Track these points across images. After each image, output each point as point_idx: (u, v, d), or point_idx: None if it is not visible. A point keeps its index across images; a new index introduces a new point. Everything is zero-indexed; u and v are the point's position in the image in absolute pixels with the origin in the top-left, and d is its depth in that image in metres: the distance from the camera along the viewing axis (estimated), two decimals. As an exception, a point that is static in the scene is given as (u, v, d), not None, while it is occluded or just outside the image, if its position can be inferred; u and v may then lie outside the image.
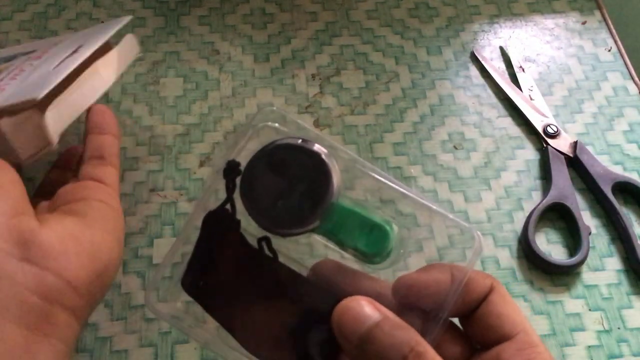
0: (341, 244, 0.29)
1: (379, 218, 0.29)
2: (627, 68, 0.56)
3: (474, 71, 0.56)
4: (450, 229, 0.47)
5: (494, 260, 0.46)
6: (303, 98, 0.53)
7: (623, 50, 0.58)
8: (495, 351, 0.28)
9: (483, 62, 0.56)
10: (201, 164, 0.49)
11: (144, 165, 0.49)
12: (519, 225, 0.47)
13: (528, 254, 0.46)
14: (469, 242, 0.46)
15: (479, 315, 0.29)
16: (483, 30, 0.58)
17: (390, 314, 0.26)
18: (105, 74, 0.41)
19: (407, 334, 0.25)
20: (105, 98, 0.52)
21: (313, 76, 0.55)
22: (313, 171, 0.28)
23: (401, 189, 0.31)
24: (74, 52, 0.41)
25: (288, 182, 0.28)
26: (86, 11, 0.57)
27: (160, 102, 0.52)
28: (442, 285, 0.28)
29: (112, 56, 0.42)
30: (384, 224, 0.29)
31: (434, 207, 0.31)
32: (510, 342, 0.28)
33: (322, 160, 0.28)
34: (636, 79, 0.56)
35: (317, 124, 0.52)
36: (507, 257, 0.46)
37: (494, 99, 0.54)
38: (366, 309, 0.25)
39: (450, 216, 0.31)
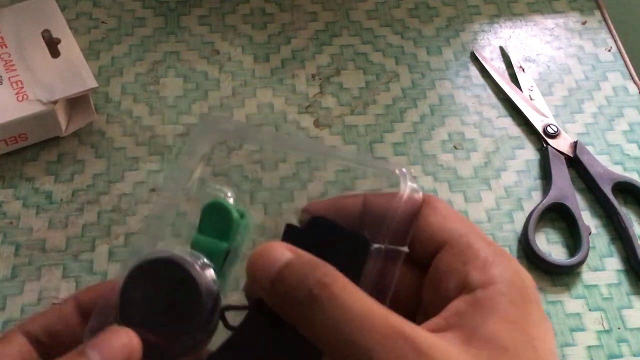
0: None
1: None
2: (627, 68, 0.56)
3: (474, 71, 0.56)
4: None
5: (494, 260, 0.46)
6: (303, 98, 0.53)
7: (623, 50, 0.58)
8: (434, 265, 0.26)
9: (483, 62, 0.56)
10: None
11: (144, 165, 0.49)
12: (519, 225, 0.47)
13: (528, 254, 0.46)
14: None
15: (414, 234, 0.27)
16: (483, 30, 0.58)
17: (305, 254, 0.24)
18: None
19: (315, 268, 0.23)
20: (105, 98, 0.52)
21: (313, 76, 0.55)
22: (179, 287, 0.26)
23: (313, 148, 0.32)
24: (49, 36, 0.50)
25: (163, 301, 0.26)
26: (86, 11, 0.57)
27: (160, 102, 0.52)
28: (350, 211, 0.27)
29: None
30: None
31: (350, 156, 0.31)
32: (444, 250, 0.26)
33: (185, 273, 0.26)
34: (636, 79, 0.56)
35: (317, 124, 0.52)
36: (507, 257, 0.46)
37: (494, 99, 0.54)
38: (277, 252, 0.24)
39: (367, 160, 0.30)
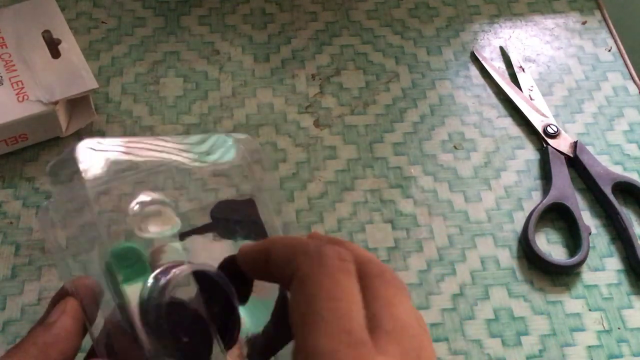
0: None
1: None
2: (627, 68, 0.56)
3: (474, 71, 0.56)
4: (450, 229, 0.47)
5: (494, 260, 0.46)
6: (303, 98, 0.53)
7: (623, 50, 0.58)
8: None
9: (483, 62, 0.56)
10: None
11: (144, 165, 0.49)
12: (519, 225, 0.47)
13: (528, 254, 0.46)
14: (468, 242, 0.46)
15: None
16: (483, 30, 0.58)
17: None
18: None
19: None
20: (106, 98, 0.52)
21: (313, 76, 0.55)
22: None
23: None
24: (50, 36, 0.50)
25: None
26: (86, 11, 0.57)
27: (160, 102, 0.52)
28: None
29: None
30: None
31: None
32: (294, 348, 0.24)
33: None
34: (636, 79, 0.56)
35: (317, 124, 0.52)
36: (507, 257, 0.46)
37: (494, 99, 0.54)
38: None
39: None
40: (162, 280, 0.28)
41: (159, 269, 0.28)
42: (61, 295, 0.29)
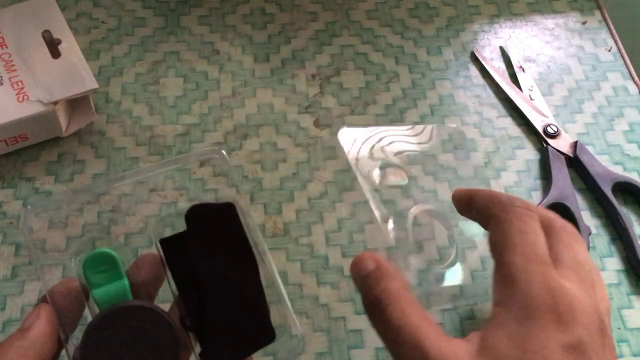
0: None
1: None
2: (627, 68, 0.56)
3: (474, 71, 0.56)
4: (450, 229, 0.47)
5: (494, 260, 0.46)
6: (303, 98, 0.53)
7: (623, 50, 0.58)
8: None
9: (483, 62, 0.56)
10: (201, 164, 0.49)
11: (144, 166, 0.49)
12: (519, 225, 0.47)
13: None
14: (469, 242, 0.46)
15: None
16: (483, 30, 0.58)
17: (383, 265, 0.32)
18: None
19: (383, 280, 0.31)
20: (105, 98, 0.52)
21: (313, 76, 0.55)
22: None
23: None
24: (49, 36, 0.50)
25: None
26: (86, 11, 0.57)
27: (160, 102, 0.52)
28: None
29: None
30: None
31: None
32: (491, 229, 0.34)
33: None
34: (636, 79, 0.56)
35: (317, 124, 0.52)
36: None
37: (494, 99, 0.54)
38: (365, 262, 0.32)
39: None
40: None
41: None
42: (41, 301, 0.31)
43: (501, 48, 0.57)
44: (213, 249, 0.33)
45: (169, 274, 0.32)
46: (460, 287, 0.44)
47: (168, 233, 0.46)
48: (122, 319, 0.28)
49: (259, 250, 0.33)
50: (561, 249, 0.30)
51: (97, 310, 0.30)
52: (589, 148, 0.51)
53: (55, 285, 0.31)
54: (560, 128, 0.52)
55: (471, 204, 0.36)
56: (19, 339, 0.29)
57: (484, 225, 0.34)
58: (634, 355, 0.43)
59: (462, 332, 0.43)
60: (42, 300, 0.31)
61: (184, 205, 0.47)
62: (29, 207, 0.32)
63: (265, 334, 0.31)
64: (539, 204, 0.47)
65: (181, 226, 0.46)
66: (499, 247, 0.31)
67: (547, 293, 0.28)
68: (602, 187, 0.48)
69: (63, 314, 0.30)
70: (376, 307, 0.30)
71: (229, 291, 0.31)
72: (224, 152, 0.35)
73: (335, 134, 0.44)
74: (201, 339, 0.31)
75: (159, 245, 0.33)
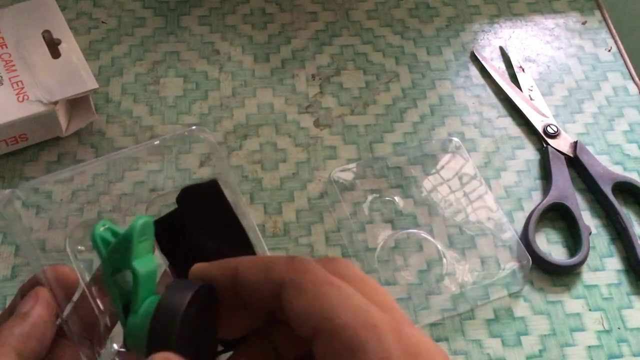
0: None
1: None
2: (627, 68, 0.56)
3: (474, 71, 0.56)
4: (450, 229, 0.47)
5: (494, 260, 0.46)
6: (303, 98, 0.53)
7: (623, 50, 0.58)
8: (315, 353, 0.23)
9: (483, 62, 0.56)
10: (201, 164, 0.49)
11: (144, 166, 0.49)
12: (519, 225, 0.47)
13: (528, 254, 0.46)
14: (468, 242, 0.46)
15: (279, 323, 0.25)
16: (483, 30, 0.58)
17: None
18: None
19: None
20: (106, 98, 0.52)
21: (313, 76, 0.55)
22: None
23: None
24: (50, 36, 0.50)
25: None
26: (86, 11, 0.57)
27: (160, 102, 0.52)
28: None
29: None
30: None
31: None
32: (321, 341, 0.23)
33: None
34: (636, 79, 0.56)
35: (317, 124, 0.52)
36: (507, 258, 0.46)
37: (494, 99, 0.54)
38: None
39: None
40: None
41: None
42: (32, 284, 0.29)
43: (501, 48, 0.57)
44: (205, 227, 0.32)
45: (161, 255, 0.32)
46: (460, 289, 0.44)
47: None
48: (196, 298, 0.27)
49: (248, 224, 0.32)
50: (367, 292, 0.25)
51: (128, 281, 0.27)
52: (589, 148, 0.51)
53: (50, 268, 0.29)
54: (560, 128, 0.52)
55: (237, 283, 0.26)
56: (19, 325, 0.27)
57: (270, 304, 0.25)
58: (634, 355, 0.43)
59: (463, 333, 0.43)
60: (34, 282, 0.29)
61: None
62: (15, 190, 0.31)
63: None
64: (539, 204, 0.47)
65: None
66: (320, 314, 0.23)
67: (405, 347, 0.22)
68: (602, 187, 0.48)
69: (59, 296, 0.29)
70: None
71: None
72: (205, 128, 0.34)
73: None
74: None
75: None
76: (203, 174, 0.49)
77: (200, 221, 0.33)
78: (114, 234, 0.28)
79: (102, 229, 0.27)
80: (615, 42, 0.58)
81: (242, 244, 0.32)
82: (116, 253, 0.27)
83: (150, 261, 0.27)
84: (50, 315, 0.28)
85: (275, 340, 0.26)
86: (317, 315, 0.23)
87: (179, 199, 0.34)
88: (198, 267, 0.27)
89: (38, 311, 0.28)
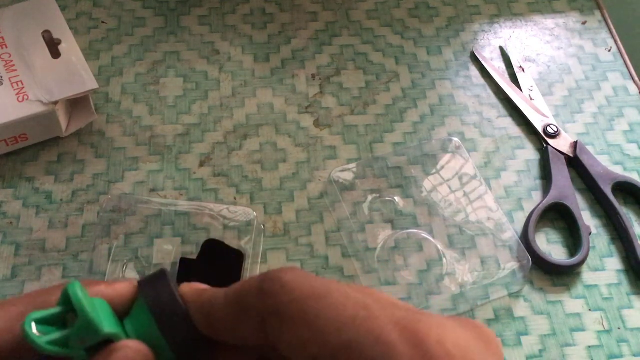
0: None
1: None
2: (627, 68, 0.56)
3: (474, 71, 0.56)
4: (450, 229, 0.47)
5: (494, 260, 0.46)
6: (303, 98, 0.53)
7: (623, 50, 0.58)
8: None
9: (483, 62, 0.56)
10: (201, 164, 0.49)
11: (144, 166, 0.49)
12: (519, 225, 0.47)
13: (528, 254, 0.46)
14: (468, 242, 0.46)
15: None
16: (483, 30, 0.58)
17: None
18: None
19: None
20: (106, 98, 0.52)
21: (313, 76, 0.55)
22: None
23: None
24: (50, 36, 0.50)
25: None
26: (86, 11, 0.57)
27: (160, 102, 0.52)
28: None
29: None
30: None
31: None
32: None
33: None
34: (636, 79, 0.56)
35: (317, 124, 0.52)
36: (507, 257, 0.46)
37: (494, 99, 0.54)
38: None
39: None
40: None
41: None
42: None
43: (501, 48, 0.57)
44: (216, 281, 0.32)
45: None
46: (460, 289, 0.44)
47: (168, 231, 0.46)
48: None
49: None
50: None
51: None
52: (589, 148, 0.51)
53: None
54: (560, 128, 0.52)
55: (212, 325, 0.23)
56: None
57: (255, 336, 0.22)
58: (634, 355, 0.43)
59: (462, 332, 0.43)
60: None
61: (184, 205, 0.47)
62: None
63: None
64: (539, 204, 0.47)
65: (180, 225, 0.46)
66: (315, 341, 0.20)
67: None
68: (602, 187, 0.48)
69: None
70: None
71: None
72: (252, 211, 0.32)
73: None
74: None
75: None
76: (203, 174, 0.49)
77: (214, 276, 0.39)
78: (52, 320, 0.23)
79: (34, 330, 0.22)
80: (615, 42, 0.58)
81: None
82: (81, 337, 0.23)
83: (105, 307, 0.24)
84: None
85: None
86: (312, 343, 0.20)
87: (203, 247, 0.43)
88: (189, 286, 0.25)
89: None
